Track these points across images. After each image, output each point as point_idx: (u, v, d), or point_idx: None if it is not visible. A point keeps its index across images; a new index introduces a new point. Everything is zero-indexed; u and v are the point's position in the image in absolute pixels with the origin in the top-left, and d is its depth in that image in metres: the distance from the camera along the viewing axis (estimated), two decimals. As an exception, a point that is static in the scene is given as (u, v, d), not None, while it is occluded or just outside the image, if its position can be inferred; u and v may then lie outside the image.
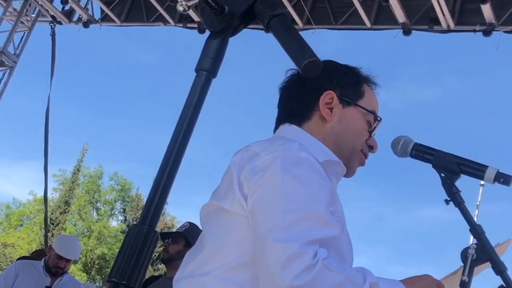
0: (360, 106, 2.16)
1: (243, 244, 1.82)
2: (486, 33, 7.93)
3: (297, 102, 2.17)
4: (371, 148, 2.19)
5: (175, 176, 1.40)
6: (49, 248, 6.40)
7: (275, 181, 1.79)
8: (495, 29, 7.88)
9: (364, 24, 8.65)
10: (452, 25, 8.11)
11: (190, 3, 1.48)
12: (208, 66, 1.45)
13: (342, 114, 2.14)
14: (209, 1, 1.45)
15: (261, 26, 1.50)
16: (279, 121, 2.21)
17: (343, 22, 8.92)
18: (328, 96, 2.13)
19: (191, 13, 9.21)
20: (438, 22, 8.13)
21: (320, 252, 1.68)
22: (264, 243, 1.71)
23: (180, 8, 1.46)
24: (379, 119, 2.20)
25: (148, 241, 1.36)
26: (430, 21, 8.23)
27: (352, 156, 2.14)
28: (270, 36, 1.49)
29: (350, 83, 2.18)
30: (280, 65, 2.25)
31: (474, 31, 8.10)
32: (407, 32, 8.39)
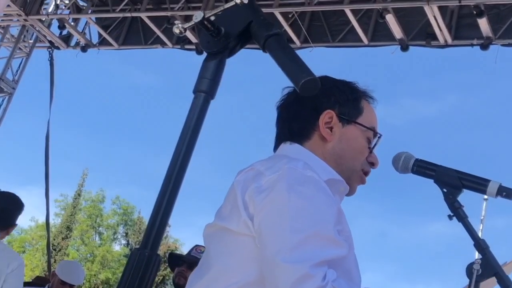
0: (359, 124, 2.13)
1: (250, 264, 1.79)
2: (484, 47, 7.95)
3: (296, 122, 2.15)
4: (372, 164, 2.16)
5: (176, 199, 1.40)
6: (53, 274, 6.40)
7: (282, 200, 1.76)
8: (493, 42, 7.90)
9: (361, 41, 8.68)
10: (449, 40, 8.14)
11: (186, 26, 1.48)
12: (206, 88, 1.45)
13: (342, 133, 2.11)
14: (205, 23, 1.45)
15: (258, 46, 1.50)
16: (279, 140, 2.18)
17: (340, 39, 8.94)
18: (328, 116, 2.10)
19: (189, 34, 9.24)
20: (435, 37, 8.16)
21: (329, 274, 1.67)
22: (272, 263, 1.69)
23: (176, 31, 1.47)
24: (379, 135, 2.18)
25: (150, 265, 1.36)
26: (427, 36, 8.26)
27: (352, 176, 2.11)
28: (268, 56, 1.49)
29: (348, 100, 2.16)
30: (279, 85, 2.25)
31: (472, 45, 8.12)
32: (404, 48, 8.41)
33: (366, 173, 2.16)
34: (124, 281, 1.35)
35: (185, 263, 4.87)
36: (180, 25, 1.48)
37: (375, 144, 2.17)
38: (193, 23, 1.44)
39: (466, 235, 2.10)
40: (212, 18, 1.49)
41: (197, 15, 1.43)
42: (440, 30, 7.97)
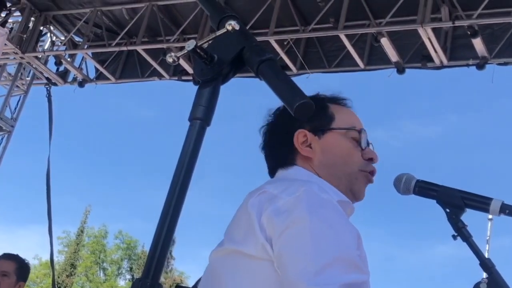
0: (335, 129, 2.10)
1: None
2: (480, 66, 7.96)
3: (277, 154, 2.15)
4: (371, 160, 2.11)
5: (176, 227, 1.39)
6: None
7: (303, 223, 1.71)
8: (488, 62, 7.91)
9: (357, 65, 8.69)
10: (445, 61, 8.15)
11: (179, 54, 1.49)
12: (201, 115, 1.45)
13: (322, 144, 2.08)
14: (198, 51, 1.46)
15: (253, 74, 1.50)
16: (272, 168, 2.17)
17: (336, 65, 8.96)
18: (301, 135, 2.09)
19: (185, 65, 9.28)
20: (431, 59, 8.17)
21: None
22: (295, 287, 1.64)
23: (169, 60, 1.48)
24: (360, 130, 2.12)
25: (152, 295, 1.34)
26: (422, 58, 8.27)
27: (352, 179, 2.07)
28: (263, 83, 1.49)
29: (315, 113, 2.14)
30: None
31: (468, 65, 8.13)
32: (401, 70, 8.42)
33: (369, 172, 2.10)
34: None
35: None
36: (173, 54, 1.48)
37: (361, 139, 2.11)
38: (186, 51, 1.44)
39: (472, 255, 2.08)
40: (205, 45, 1.50)
41: (190, 44, 1.44)
42: (436, 51, 7.98)
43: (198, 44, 1.45)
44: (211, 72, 1.49)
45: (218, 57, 1.50)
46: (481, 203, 2.15)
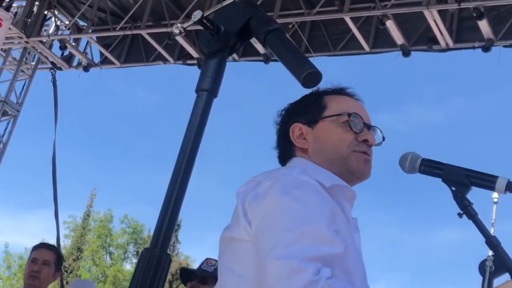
0: (326, 117, 2.16)
1: (250, 268, 1.83)
2: (486, 49, 7.94)
3: (281, 150, 2.25)
4: (366, 141, 2.14)
5: (184, 195, 1.40)
6: (65, 294, 6.39)
7: (275, 203, 1.82)
8: (494, 44, 7.89)
9: (363, 48, 8.68)
10: (451, 44, 8.13)
11: (185, 25, 1.49)
12: (208, 86, 1.46)
13: (314, 134, 2.16)
14: (204, 21, 1.46)
15: (261, 58, 1.50)
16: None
17: (341, 48, 8.95)
18: (296, 129, 2.18)
19: (190, 49, 9.27)
20: (436, 42, 8.15)
21: (323, 271, 1.68)
22: (265, 262, 1.73)
23: (176, 31, 1.48)
24: (350, 113, 2.15)
25: (161, 264, 1.36)
26: (428, 40, 8.26)
27: (345, 161, 2.11)
28: (274, 69, 1.50)
29: (307, 106, 2.22)
30: (290, 98, 2.32)
31: (474, 47, 8.12)
32: (406, 53, 8.40)
33: (363, 152, 2.13)
34: (136, 280, 1.35)
35: (196, 278, 4.87)
36: (179, 25, 1.49)
37: (369, 125, 2.17)
38: (192, 22, 1.44)
39: (477, 238, 2.08)
40: (211, 16, 1.50)
41: (196, 14, 1.44)
42: (441, 34, 7.96)
43: (205, 15, 1.46)
44: (218, 43, 1.50)
45: (224, 28, 1.50)
46: (487, 181, 2.14)
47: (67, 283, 29.01)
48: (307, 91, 2.25)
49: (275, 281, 1.67)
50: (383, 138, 2.22)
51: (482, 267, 2.01)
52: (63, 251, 34.55)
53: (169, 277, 34.80)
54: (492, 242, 2.04)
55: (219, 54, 1.50)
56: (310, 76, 1.39)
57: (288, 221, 1.77)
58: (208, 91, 1.45)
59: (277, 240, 1.73)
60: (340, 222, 1.91)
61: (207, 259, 4.96)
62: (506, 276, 2.01)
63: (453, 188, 2.15)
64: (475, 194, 2.15)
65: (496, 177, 2.14)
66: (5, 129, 10.35)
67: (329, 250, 1.75)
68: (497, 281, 2.01)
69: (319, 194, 1.90)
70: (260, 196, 1.86)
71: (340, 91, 2.25)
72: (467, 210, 2.10)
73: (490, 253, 2.05)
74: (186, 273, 5.15)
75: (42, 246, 5.42)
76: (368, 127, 2.18)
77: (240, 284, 1.85)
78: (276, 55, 1.44)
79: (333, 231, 1.81)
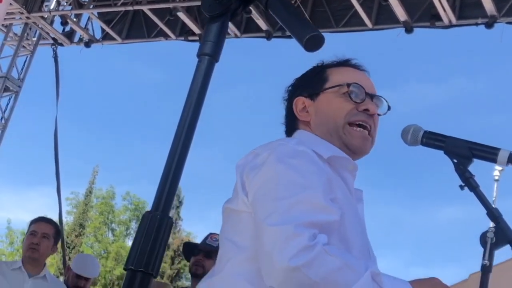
0: (326, 89, 2.16)
1: (250, 239, 1.84)
2: (489, 25, 7.90)
3: (286, 124, 2.27)
4: (367, 110, 2.13)
5: (187, 157, 1.40)
6: (68, 269, 6.37)
7: (270, 172, 1.83)
8: (497, 21, 7.85)
9: (365, 25, 8.64)
10: (453, 20, 8.09)
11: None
12: (210, 50, 1.46)
13: (316, 106, 2.16)
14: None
15: (264, 34, 1.49)
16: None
17: (344, 24, 8.90)
18: (299, 103, 2.19)
19: (192, 25, 9.24)
20: (439, 18, 8.11)
21: (320, 237, 1.69)
22: (261, 229, 1.74)
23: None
24: (349, 84, 2.14)
25: (162, 227, 1.37)
26: (431, 17, 8.22)
27: (340, 134, 2.10)
28: (280, 47, 1.49)
29: (309, 79, 2.23)
30: (291, 75, 2.31)
31: (476, 24, 8.08)
32: (409, 30, 8.37)
33: (359, 124, 2.12)
34: (137, 243, 1.35)
35: (201, 252, 4.81)
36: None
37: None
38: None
39: (479, 216, 2.09)
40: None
41: (198, -23, 1.43)
42: (444, 10, 7.92)
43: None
44: (220, 7, 1.49)
45: None
46: (489, 153, 2.14)
47: (69, 259, 29.17)
48: (311, 64, 2.25)
49: (271, 247, 1.67)
50: (389, 108, 2.22)
51: (483, 239, 2.01)
52: (65, 227, 34.68)
53: (171, 253, 35.00)
54: (493, 213, 2.04)
55: (221, 18, 1.49)
56: (312, 40, 1.38)
57: (284, 190, 1.78)
58: (209, 55, 1.45)
59: (272, 208, 1.74)
60: (338, 191, 1.92)
61: (210, 233, 4.93)
62: (507, 247, 2.02)
63: (455, 160, 2.15)
64: (475, 173, 2.14)
65: (498, 149, 2.14)
66: (7, 104, 10.34)
67: (325, 217, 1.77)
68: (498, 253, 2.02)
69: (315, 163, 1.90)
70: (257, 167, 1.87)
71: (343, 63, 2.24)
72: (468, 182, 2.10)
73: (492, 224, 2.06)
74: (189, 248, 5.07)
75: (41, 219, 5.44)
76: (371, 96, 2.17)
77: (240, 254, 1.87)
78: (278, 19, 1.44)
79: (329, 199, 1.82)
